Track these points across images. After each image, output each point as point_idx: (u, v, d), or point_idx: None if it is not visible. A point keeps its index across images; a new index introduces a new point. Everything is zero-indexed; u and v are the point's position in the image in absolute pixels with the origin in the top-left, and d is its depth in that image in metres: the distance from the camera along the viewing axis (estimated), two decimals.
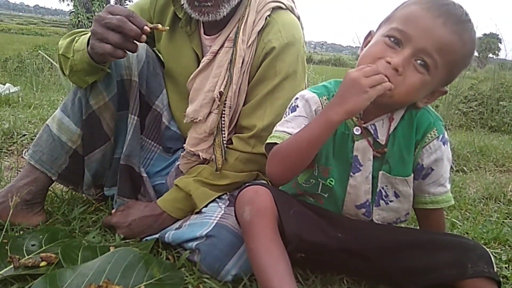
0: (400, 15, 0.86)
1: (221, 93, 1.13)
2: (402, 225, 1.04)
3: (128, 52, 1.04)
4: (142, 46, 1.20)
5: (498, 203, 1.75)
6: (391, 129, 0.91)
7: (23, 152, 1.24)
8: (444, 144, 0.91)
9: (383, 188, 0.94)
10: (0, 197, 1.13)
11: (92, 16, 12.21)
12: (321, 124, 0.84)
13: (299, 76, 1.17)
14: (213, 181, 1.14)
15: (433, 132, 0.90)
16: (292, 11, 1.20)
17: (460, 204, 1.69)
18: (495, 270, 0.84)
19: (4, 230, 1.00)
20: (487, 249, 0.87)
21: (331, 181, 0.95)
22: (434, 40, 0.81)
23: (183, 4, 1.14)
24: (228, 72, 1.13)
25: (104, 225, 1.19)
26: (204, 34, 1.23)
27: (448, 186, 0.94)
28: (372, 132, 0.91)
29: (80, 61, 1.06)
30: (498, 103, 4.98)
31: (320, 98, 0.95)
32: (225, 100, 1.14)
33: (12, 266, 0.92)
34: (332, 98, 0.87)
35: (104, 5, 13.07)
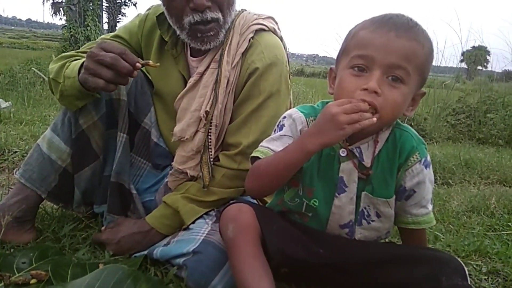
0: (354, 44, 0.88)
1: (207, 112, 1.17)
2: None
3: None
4: None
5: (481, 216, 1.79)
6: (376, 152, 0.93)
7: (14, 170, 1.27)
8: (426, 167, 0.92)
9: (365, 208, 0.96)
10: None
11: (85, 30, 12.26)
12: (297, 150, 0.87)
13: (282, 94, 1.21)
14: (200, 198, 1.17)
15: (416, 155, 0.91)
16: (274, 32, 1.25)
17: (444, 217, 1.72)
18: (470, 283, 0.87)
19: None
20: (462, 262, 0.90)
21: (315, 201, 0.97)
22: (396, 52, 0.83)
23: (178, 35, 1.19)
24: (213, 92, 1.18)
25: (94, 242, 1.21)
26: (191, 56, 1.27)
27: (430, 207, 0.97)
28: (358, 155, 0.93)
29: (70, 87, 1.10)
30: (485, 116, 5.07)
31: (307, 119, 0.98)
32: (211, 119, 1.17)
33: (2, 284, 0.93)
34: (311, 126, 0.91)
35: (97, 19, 13.13)
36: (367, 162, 0.93)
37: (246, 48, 1.19)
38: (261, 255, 0.90)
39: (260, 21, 1.24)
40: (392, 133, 0.94)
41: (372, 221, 0.97)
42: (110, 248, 1.16)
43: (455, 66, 6.90)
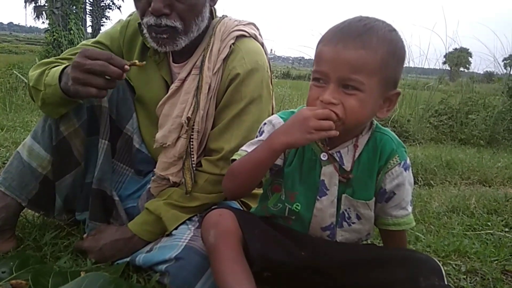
0: (315, 57, 0.92)
1: (188, 119, 1.18)
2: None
3: None
4: None
5: (461, 216, 1.83)
6: (356, 156, 0.95)
7: None
8: (405, 170, 0.94)
9: (346, 210, 0.98)
10: None
11: (68, 34, 12.10)
12: (265, 148, 0.91)
13: (264, 99, 1.22)
14: (183, 204, 1.17)
15: (395, 158, 0.94)
16: (255, 38, 1.26)
17: (425, 218, 1.76)
18: (447, 283, 0.89)
19: None
20: (439, 262, 0.92)
21: (297, 206, 0.99)
22: (343, 65, 0.84)
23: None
24: (195, 98, 1.18)
25: (76, 249, 1.20)
26: (173, 62, 1.28)
27: (410, 209, 0.98)
28: (338, 159, 0.95)
29: (52, 95, 1.09)
30: (467, 117, 5.17)
31: None
32: (193, 125, 1.18)
33: None
34: (281, 125, 0.93)
35: (80, 23, 12.98)
36: (347, 166, 0.95)
37: (227, 54, 1.19)
38: (243, 260, 0.91)
39: (241, 27, 1.24)
40: (372, 137, 0.96)
41: (353, 223, 0.99)
42: (92, 255, 1.15)
43: (438, 68, 7.02)
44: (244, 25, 1.26)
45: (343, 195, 0.96)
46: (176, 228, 1.14)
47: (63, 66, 1.10)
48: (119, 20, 1.37)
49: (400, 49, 0.90)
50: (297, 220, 1.01)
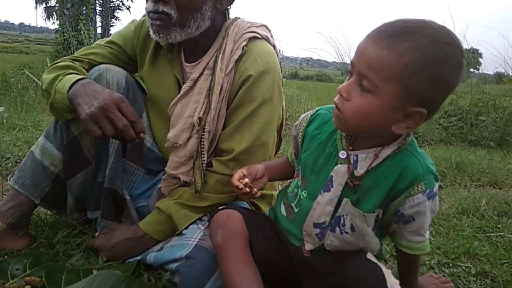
0: None
1: (200, 119, 1.19)
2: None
3: (107, 78, 1.17)
4: (121, 74, 1.25)
5: (471, 218, 1.82)
6: (372, 166, 0.89)
7: (8, 177, 1.28)
8: (429, 199, 0.88)
9: (342, 215, 0.94)
10: None
11: (78, 34, 12.22)
12: None
13: (275, 101, 1.23)
14: (193, 203, 1.18)
15: (421, 185, 0.87)
16: (267, 40, 1.27)
17: (434, 219, 1.75)
18: None
19: None
20: (383, 275, 0.85)
21: (304, 193, 0.98)
22: (365, 60, 0.80)
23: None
24: (207, 98, 1.19)
25: (88, 248, 1.22)
26: (185, 61, 1.29)
27: (427, 236, 0.94)
28: (352, 162, 0.91)
29: (60, 102, 1.12)
30: (477, 118, 5.12)
31: None
32: (204, 125, 1.19)
33: None
34: None
35: (90, 23, 13.10)
36: (359, 172, 0.90)
37: (239, 56, 1.20)
38: (250, 260, 0.92)
39: (254, 29, 1.25)
40: (399, 154, 0.89)
41: (346, 232, 0.94)
42: (104, 254, 1.17)
43: None
44: (256, 27, 1.27)
45: (345, 199, 0.92)
46: (186, 228, 1.15)
47: (77, 78, 1.12)
48: (133, 20, 1.38)
49: (440, 66, 0.77)
50: (299, 212, 0.99)
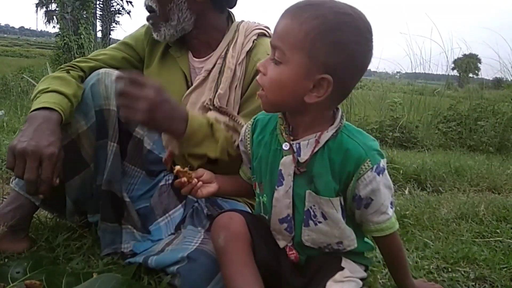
0: None
1: (210, 100, 1.25)
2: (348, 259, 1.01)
3: (105, 83, 1.22)
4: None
5: (470, 223, 1.82)
6: (315, 151, 0.91)
7: (11, 179, 1.28)
8: (379, 174, 0.90)
9: (311, 207, 0.94)
10: None
11: (79, 38, 12.25)
12: None
13: None
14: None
15: (367, 163, 0.89)
16: None
17: (433, 224, 1.76)
18: None
19: None
20: None
21: (264, 197, 0.99)
22: (275, 33, 0.88)
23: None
24: (216, 81, 1.26)
25: (125, 77, 1.01)
26: (194, 57, 1.36)
27: (391, 212, 0.96)
28: (295, 150, 0.93)
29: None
30: (476, 123, 5.14)
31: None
32: (215, 104, 1.24)
33: None
34: None
35: (90, 27, 13.14)
36: (303, 158, 0.92)
37: (250, 48, 1.29)
38: (252, 263, 0.92)
39: (261, 27, 1.36)
40: (338, 137, 0.92)
41: (319, 222, 0.95)
42: (147, 103, 1.00)
43: (447, 73, 6.97)
44: (264, 27, 1.37)
45: (307, 191, 0.94)
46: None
47: (44, 105, 1.10)
48: (144, 25, 1.45)
49: (338, 32, 0.82)
50: (268, 217, 1.00)
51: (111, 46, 1.47)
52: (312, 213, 0.95)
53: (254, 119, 1.06)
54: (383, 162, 0.91)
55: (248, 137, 1.06)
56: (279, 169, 0.95)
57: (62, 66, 1.32)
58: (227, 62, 1.26)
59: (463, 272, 1.33)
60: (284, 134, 0.96)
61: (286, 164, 0.94)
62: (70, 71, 1.28)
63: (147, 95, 0.99)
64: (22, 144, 1.01)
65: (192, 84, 1.33)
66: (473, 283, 1.27)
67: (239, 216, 0.98)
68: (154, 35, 1.32)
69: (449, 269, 1.35)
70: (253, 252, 0.96)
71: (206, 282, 1.00)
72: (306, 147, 0.92)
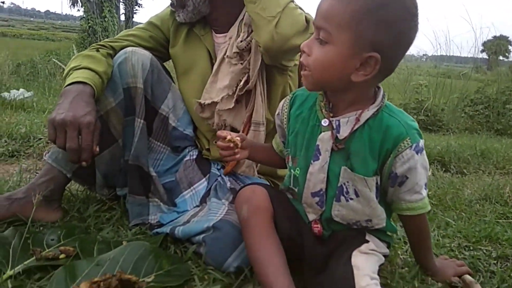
0: None
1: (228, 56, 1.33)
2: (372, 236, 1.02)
3: (132, 61, 1.27)
4: (147, 56, 1.31)
5: (494, 204, 1.80)
6: (355, 128, 0.92)
7: (44, 153, 1.34)
8: (417, 153, 0.91)
9: (344, 184, 0.95)
10: (21, 193, 1.23)
11: (103, 21, 12.38)
12: None
13: None
14: None
15: (406, 141, 0.89)
16: None
17: (456, 205, 1.74)
18: None
19: (27, 227, 1.09)
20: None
21: (298, 170, 1.00)
22: (319, 13, 0.86)
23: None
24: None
25: None
26: (216, 34, 1.40)
27: (424, 193, 0.96)
28: (335, 127, 0.94)
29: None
30: (504, 106, 5.00)
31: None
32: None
33: (34, 258, 1.00)
34: None
35: (114, 10, 13.25)
36: (342, 135, 0.93)
37: None
38: (274, 234, 0.95)
39: None
40: (378, 115, 0.92)
41: (351, 199, 0.96)
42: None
43: (475, 56, 6.76)
44: None
45: (342, 167, 0.94)
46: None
47: (77, 80, 1.16)
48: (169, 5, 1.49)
49: (385, 10, 0.81)
50: (298, 190, 1.02)
51: (137, 26, 1.51)
52: (345, 189, 0.96)
53: (293, 94, 1.07)
54: (421, 143, 0.92)
55: (286, 111, 1.07)
56: (316, 144, 0.96)
57: (92, 45, 1.37)
58: (245, 19, 1.31)
59: (485, 251, 1.33)
60: (323, 110, 0.97)
61: (324, 140, 0.95)
62: (100, 50, 1.33)
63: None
64: (60, 115, 1.06)
65: (216, 61, 1.36)
66: (495, 262, 1.26)
67: (261, 189, 1.01)
68: (176, 18, 1.38)
69: (471, 248, 1.35)
70: (275, 224, 0.99)
71: (231, 250, 1.03)
72: (346, 124, 0.93)
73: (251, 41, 1.29)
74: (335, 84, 0.91)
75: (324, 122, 0.95)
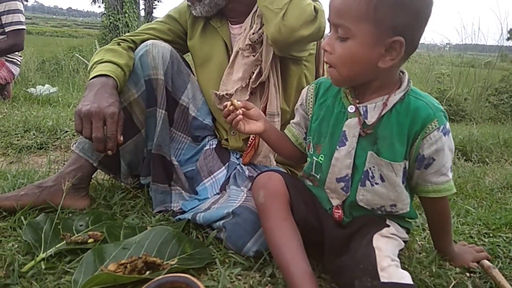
0: None
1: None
2: (393, 220, 1.03)
3: (153, 54, 1.30)
4: (167, 49, 1.36)
5: None
6: (382, 113, 0.92)
7: (71, 144, 1.40)
8: (445, 134, 0.92)
9: (370, 168, 0.96)
10: (51, 181, 1.29)
11: (123, 17, 12.54)
12: None
13: None
14: None
15: (434, 123, 0.90)
16: None
17: (476, 193, 1.73)
18: (381, 280, 0.82)
19: (58, 213, 1.15)
20: (375, 258, 0.87)
21: (322, 157, 1.01)
22: (334, 11, 0.87)
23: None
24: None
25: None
26: (232, 25, 1.43)
27: (450, 175, 0.97)
28: (362, 113, 0.94)
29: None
30: None
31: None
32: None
33: (64, 242, 1.06)
34: None
35: (134, 6, 13.40)
36: (370, 121, 0.93)
37: None
38: (290, 218, 0.98)
39: None
40: (406, 99, 0.93)
41: (376, 183, 0.96)
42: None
43: (501, 44, 6.55)
44: None
45: (369, 152, 0.95)
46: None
47: (102, 73, 1.21)
48: None
49: None
50: (321, 177, 1.03)
51: (156, 19, 1.56)
52: (370, 174, 0.97)
53: (317, 82, 1.08)
54: (448, 125, 0.93)
55: (311, 100, 1.08)
56: (342, 130, 0.97)
57: (114, 39, 1.42)
58: (258, 11, 1.32)
59: (505, 238, 1.32)
60: (349, 97, 0.98)
61: (351, 126, 0.96)
62: (121, 43, 1.37)
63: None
64: (86, 107, 1.11)
65: (232, 52, 1.39)
66: None
67: (277, 175, 1.04)
68: (193, 12, 1.41)
69: (490, 235, 1.35)
70: (292, 209, 1.01)
71: (250, 235, 1.07)
72: (374, 109, 0.94)
73: (263, 33, 1.31)
74: (364, 75, 0.92)
75: (351, 109, 0.96)
